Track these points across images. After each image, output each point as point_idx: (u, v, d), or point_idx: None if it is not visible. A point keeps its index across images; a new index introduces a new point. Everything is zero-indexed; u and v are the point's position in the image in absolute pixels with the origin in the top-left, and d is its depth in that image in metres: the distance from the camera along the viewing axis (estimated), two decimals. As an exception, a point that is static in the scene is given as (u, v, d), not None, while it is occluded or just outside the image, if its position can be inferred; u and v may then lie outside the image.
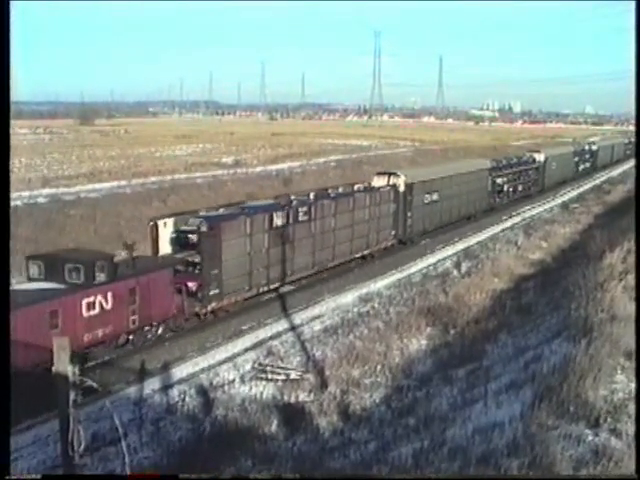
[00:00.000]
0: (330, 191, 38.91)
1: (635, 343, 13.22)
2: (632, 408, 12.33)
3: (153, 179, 60.73)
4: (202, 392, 21.62)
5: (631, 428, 11.54)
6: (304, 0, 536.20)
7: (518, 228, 51.15)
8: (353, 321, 28.31)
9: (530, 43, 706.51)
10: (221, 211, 31.25)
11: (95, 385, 10.56)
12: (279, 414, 19.54)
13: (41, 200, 47.25)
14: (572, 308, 19.94)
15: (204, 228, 27.88)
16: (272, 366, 23.60)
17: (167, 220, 28.74)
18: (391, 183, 43.36)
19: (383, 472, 12.66)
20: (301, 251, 33.80)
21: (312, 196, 36.20)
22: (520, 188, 65.50)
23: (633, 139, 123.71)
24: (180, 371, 23.44)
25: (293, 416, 19.34)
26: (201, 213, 30.21)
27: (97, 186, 56.07)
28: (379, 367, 22.70)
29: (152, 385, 22.18)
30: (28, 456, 17.46)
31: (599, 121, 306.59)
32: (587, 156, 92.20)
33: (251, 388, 21.90)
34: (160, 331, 26.11)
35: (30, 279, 23.15)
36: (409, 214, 44.26)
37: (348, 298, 32.04)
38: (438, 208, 48.48)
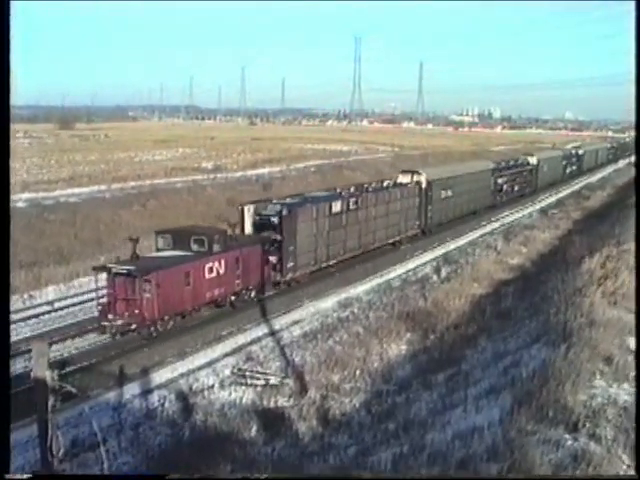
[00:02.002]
0: (366, 186, 44.22)
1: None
2: (611, 412, 12.42)
3: (133, 184, 60.67)
4: (182, 397, 21.50)
5: (610, 433, 11.62)
6: (286, 0, 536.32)
7: (497, 233, 51.36)
8: (333, 326, 28.24)
9: (511, 49, 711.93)
10: (288, 200, 36.26)
11: (74, 390, 10.52)
12: (259, 419, 19.47)
13: (20, 205, 46.84)
14: (551, 313, 20.06)
15: (285, 212, 33.10)
16: (252, 371, 23.52)
17: (250, 206, 34.05)
18: (415, 180, 48.46)
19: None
20: (351, 234, 39.33)
21: (353, 189, 42.33)
22: (517, 188, 70.27)
23: (615, 145, 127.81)
24: (159, 376, 23.28)
25: (273, 421, 19.28)
26: (274, 201, 35.33)
27: (77, 190, 56.03)
28: (359, 372, 22.65)
29: (131, 390, 22.02)
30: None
31: (579, 127, 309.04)
32: (574, 160, 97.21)
33: (231, 393, 21.80)
34: (253, 294, 31.31)
35: (158, 249, 28.55)
36: (429, 207, 49.29)
37: (328, 303, 32.00)
38: (452, 203, 53.68)
